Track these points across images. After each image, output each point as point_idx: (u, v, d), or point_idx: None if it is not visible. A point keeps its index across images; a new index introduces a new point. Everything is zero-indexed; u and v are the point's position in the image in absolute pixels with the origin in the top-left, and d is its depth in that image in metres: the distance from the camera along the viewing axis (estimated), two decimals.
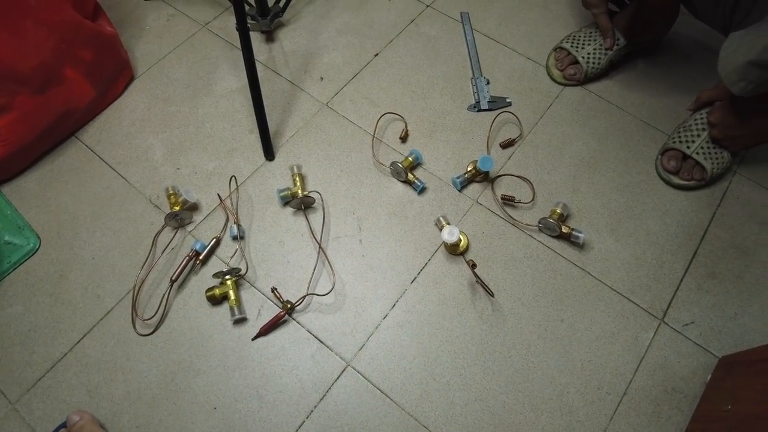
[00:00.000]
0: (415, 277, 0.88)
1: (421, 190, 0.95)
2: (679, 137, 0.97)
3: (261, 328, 0.83)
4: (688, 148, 0.95)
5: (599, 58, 1.05)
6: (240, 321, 0.84)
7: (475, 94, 1.06)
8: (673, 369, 0.82)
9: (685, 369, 0.82)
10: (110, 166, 0.99)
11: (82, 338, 0.83)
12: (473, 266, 0.84)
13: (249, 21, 1.11)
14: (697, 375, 0.81)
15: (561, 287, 0.87)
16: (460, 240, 0.88)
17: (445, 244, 0.89)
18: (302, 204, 0.92)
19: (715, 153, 0.94)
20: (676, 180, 0.96)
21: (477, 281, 0.84)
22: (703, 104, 0.97)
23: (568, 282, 0.88)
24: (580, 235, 0.88)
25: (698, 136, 0.95)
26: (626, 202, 0.95)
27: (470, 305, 0.86)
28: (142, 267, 0.88)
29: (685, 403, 0.79)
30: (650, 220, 0.94)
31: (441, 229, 0.90)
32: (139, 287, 0.86)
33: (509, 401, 0.79)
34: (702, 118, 0.95)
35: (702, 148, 0.94)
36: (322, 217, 0.92)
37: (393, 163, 0.94)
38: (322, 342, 0.83)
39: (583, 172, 0.98)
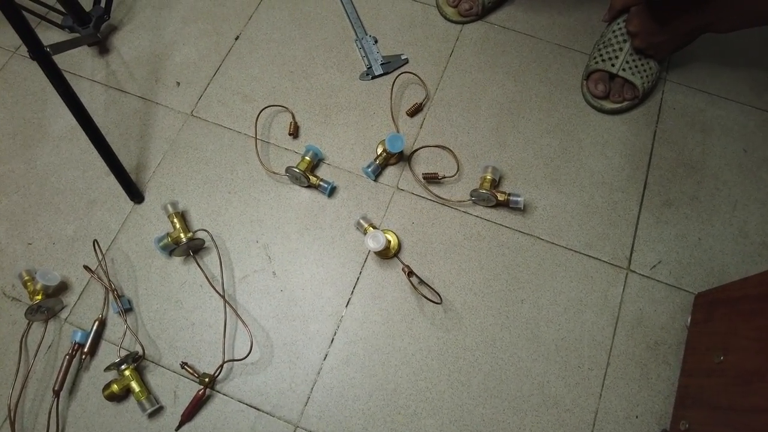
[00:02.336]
0: (349, 299, 0.74)
1: (331, 191, 0.79)
2: (601, 55, 0.85)
3: (182, 415, 0.68)
4: (613, 65, 0.83)
5: None
6: (155, 413, 0.69)
7: (365, 59, 0.89)
8: (650, 321, 0.73)
9: (662, 316, 0.74)
10: None
11: None
12: (409, 274, 0.71)
13: (68, 34, 0.88)
14: (677, 320, 0.73)
15: (512, 263, 0.76)
16: (389, 241, 0.74)
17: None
18: (190, 250, 0.75)
19: (642, 65, 0.82)
20: (607, 105, 0.85)
21: (416, 291, 0.72)
22: (617, 12, 0.85)
23: (519, 254, 0.76)
24: (518, 199, 0.76)
25: (620, 50, 0.83)
26: (560, 144, 0.84)
27: (418, 313, 0.73)
28: (14, 382, 0.70)
29: (671, 354, 0.72)
30: (591, 158, 0.83)
31: (365, 234, 0.76)
32: (15, 410, 0.68)
33: (487, 412, 0.69)
34: (620, 29, 0.83)
35: (627, 63, 0.82)
36: (218, 257, 0.75)
37: (288, 169, 0.78)
38: (258, 409, 0.69)
39: (505, 122, 0.85)
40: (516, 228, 0.78)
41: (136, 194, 0.79)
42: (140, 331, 0.73)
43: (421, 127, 0.85)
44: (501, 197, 0.76)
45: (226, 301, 0.72)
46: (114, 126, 0.85)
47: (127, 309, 0.73)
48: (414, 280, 0.72)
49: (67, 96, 0.67)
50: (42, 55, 0.64)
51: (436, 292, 0.73)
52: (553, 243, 0.77)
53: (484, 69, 0.89)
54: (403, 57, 0.89)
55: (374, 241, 0.70)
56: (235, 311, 0.72)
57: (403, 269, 0.73)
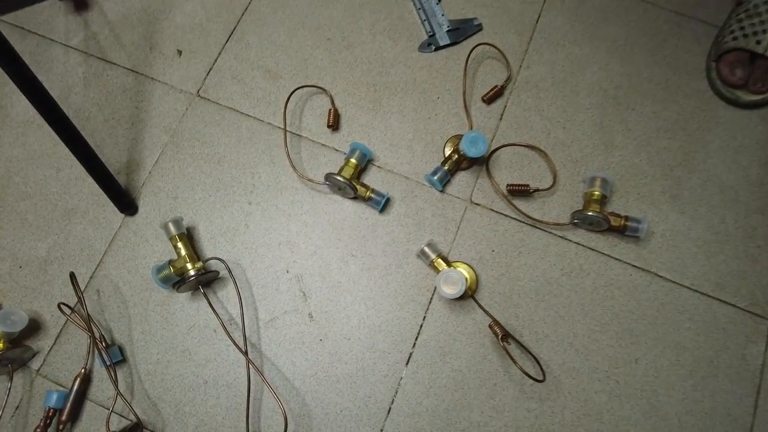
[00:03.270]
0: (410, 354, 0.56)
1: (384, 206, 0.60)
2: (742, 29, 0.63)
3: None
4: (759, 43, 0.62)
5: None
6: None
7: (425, 23, 0.68)
8: None
9: None
10: None
11: None
12: (504, 338, 0.53)
13: None
14: None
15: (624, 308, 0.58)
16: (466, 280, 0.56)
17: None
18: (199, 284, 0.57)
19: None
20: (744, 96, 0.64)
21: (514, 363, 0.53)
22: None
23: (632, 297, 0.58)
24: (640, 225, 0.57)
25: None
26: (680, 147, 0.64)
27: (502, 376, 0.56)
28: None
29: None
30: (720, 168, 0.63)
31: (430, 266, 0.57)
32: None
33: None
34: None
35: None
36: (237, 294, 0.57)
37: (329, 177, 0.58)
38: None
39: (611, 115, 0.65)
40: (628, 261, 0.59)
41: (126, 204, 0.60)
42: (136, 390, 0.55)
43: (501, 119, 0.64)
44: (616, 222, 0.57)
45: (248, 359, 0.53)
46: (96, 108, 0.65)
47: (118, 361, 0.56)
48: (509, 344, 0.54)
49: (19, 77, 0.46)
50: None
51: (536, 359, 0.55)
52: (674, 282, 0.59)
53: (581, 42, 0.68)
54: (475, 22, 0.68)
55: (451, 286, 0.52)
56: (260, 373, 0.54)
57: (493, 328, 0.54)
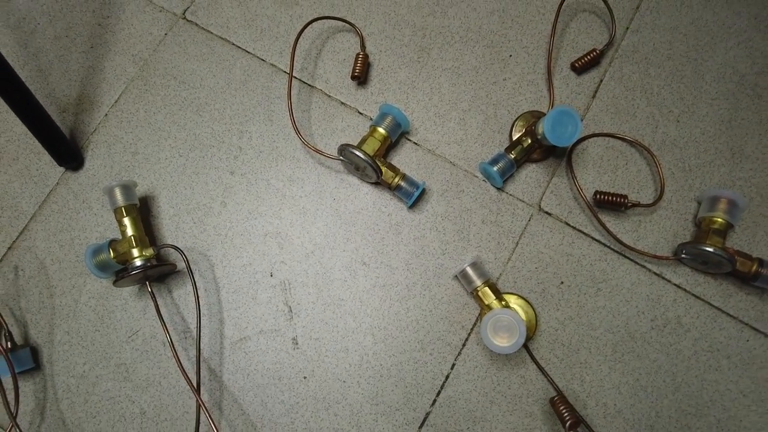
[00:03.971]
0: (427, 415, 0.40)
1: (417, 199, 0.43)
2: None
3: None
4: None
5: None
6: None
7: None
8: None
9: None
10: None
11: None
12: (573, 426, 0.36)
13: None
14: None
15: (732, 385, 0.41)
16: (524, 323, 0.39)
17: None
18: (147, 279, 0.41)
19: None
20: None
21: None
22: None
23: (745, 371, 0.41)
24: None
25: None
26: None
27: None
28: None
29: None
30: None
31: (479, 300, 0.41)
32: None
33: None
34: None
35: None
36: (195, 299, 0.41)
37: (344, 150, 0.41)
38: None
39: (745, 110, 0.46)
40: (747, 321, 0.42)
41: (66, 154, 0.44)
42: (49, 412, 0.40)
43: (594, 96, 0.46)
44: (744, 266, 0.40)
45: (200, 400, 0.37)
46: (46, 19, 0.48)
47: (28, 369, 0.41)
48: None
49: None
50: None
51: None
52: None
53: (717, 4, 0.48)
54: None
55: (503, 337, 0.35)
56: (210, 419, 0.39)
57: (557, 406, 0.37)
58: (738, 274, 0.41)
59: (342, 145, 0.41)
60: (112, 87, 0.47)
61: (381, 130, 0.42)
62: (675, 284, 0.42)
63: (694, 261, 0.42)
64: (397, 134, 0.44)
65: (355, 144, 0.42)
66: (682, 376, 0.41)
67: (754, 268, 0.40)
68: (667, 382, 0.41)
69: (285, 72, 0.47)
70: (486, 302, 0.39)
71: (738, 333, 0.42)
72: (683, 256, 0.41)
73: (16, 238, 0.44)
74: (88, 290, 0.43)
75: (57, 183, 0.45)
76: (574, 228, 0.43)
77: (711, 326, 0.42)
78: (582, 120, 0.45)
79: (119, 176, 0.45)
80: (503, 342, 0.35)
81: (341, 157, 0.43)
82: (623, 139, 0.45)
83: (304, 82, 0.47)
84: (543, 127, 0.39)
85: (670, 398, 0.41)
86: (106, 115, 0.46)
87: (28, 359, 0.41)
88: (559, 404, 0.36)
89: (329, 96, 0.46)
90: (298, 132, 0.43)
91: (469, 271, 0.40)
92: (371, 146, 0.42)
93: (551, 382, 0.39)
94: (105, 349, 0.42)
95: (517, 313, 0.38)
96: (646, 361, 0.41)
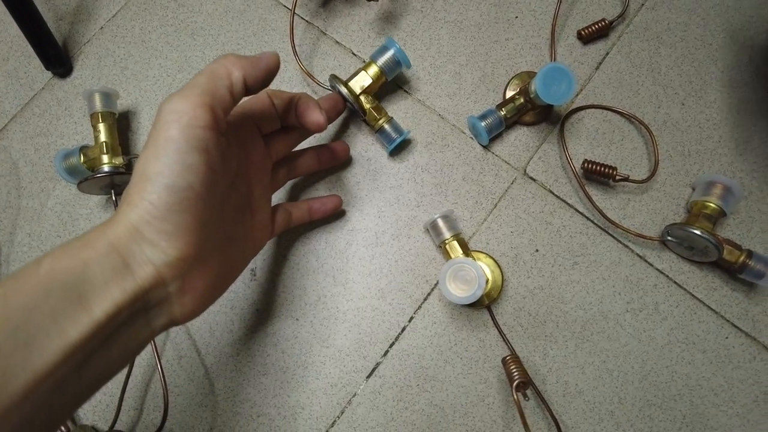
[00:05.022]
0: (377, 365, 0.39)
1: (397, 146, 0.42)
2: None
3: None
4: None
5: None
6: None
7: None
8: None
9: None
10: None
11: None
12: (520, 386, 0.34)
13: None
14: None
15: (704, 381, 0.39)
16: (486, 280, 0.37)
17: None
18: (113, 189, 0.40)
19: None
20: None
21: (524, 426, 0.34)
22: None
23: (720, 369, 0.39)
24: (766, 271, 0.37)
25: None
26: None
27: None
28: None
29: None
30: None
31: (446, 254, 0.39)
32: None
33: None
34: None
35: None
36: None
37: (333, 79, 0.40)
38: None
39: (758, 99, 0.44)
40: (729, 317, 0.39)
41: (55, 59, 0.43)
42: None
43: (598, 68, 0.44)
44: (732, 255, 0.37)
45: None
46: None
47: None
48: (526, 398, 0.35)
49: None
50: None
51: (558, 425, 0.36)
52: None
53: None
54: None
55: (461, 286, 0.34)
56: (153, 344, 0.38)
57: (508, 365, 0.35)
58: (724, 264, 0.38)
59: (333, 75, 0.40)
60: (113, 1, 0.47)
61: (376, 66, 0.40)
62: (657, 269, 0.40)
63: (680, 245, 0.39)
64: (395, 73, 0.42)
65: (346, 78, 0.40)
66: (652, 365, 0.39)
67: (742, 258, 0.37)
68: (636, 368, 0.39)
69: (285, 6, 0.46)
70: (453, 256, 0.38)
71: (717, 328, 0.39)
72: (668, 238, 0.39)
73: None
74: (56, 195, 0.42)
75: (42, 88, 0.45)
76: (557, 197, 0.41)
77: (690, 318, 0.39)
78: (581, 91, 0.43)
79: (100, 86, 0.44)
80: (461, 292, 0.34)
81: (329, 84, 0.41)
82: (624, 114, 0.43)
83: (303, 18, 0.46)
84: (535, 84, 0.37)
85: (636, 386, 0.38)
86: (102, 28, 0.46)
87: None
88: (510, 363, 0.34)
89: (325, 33, 0.45)
90: (296, 54, 0.42)
91: (440, 222, 0.38)
92: (360, 81, 0.40)
93: (511, 349, 0.37)
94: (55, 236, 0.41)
95: (482, 269, 0.37)
96: (616, 344, 0.39)
